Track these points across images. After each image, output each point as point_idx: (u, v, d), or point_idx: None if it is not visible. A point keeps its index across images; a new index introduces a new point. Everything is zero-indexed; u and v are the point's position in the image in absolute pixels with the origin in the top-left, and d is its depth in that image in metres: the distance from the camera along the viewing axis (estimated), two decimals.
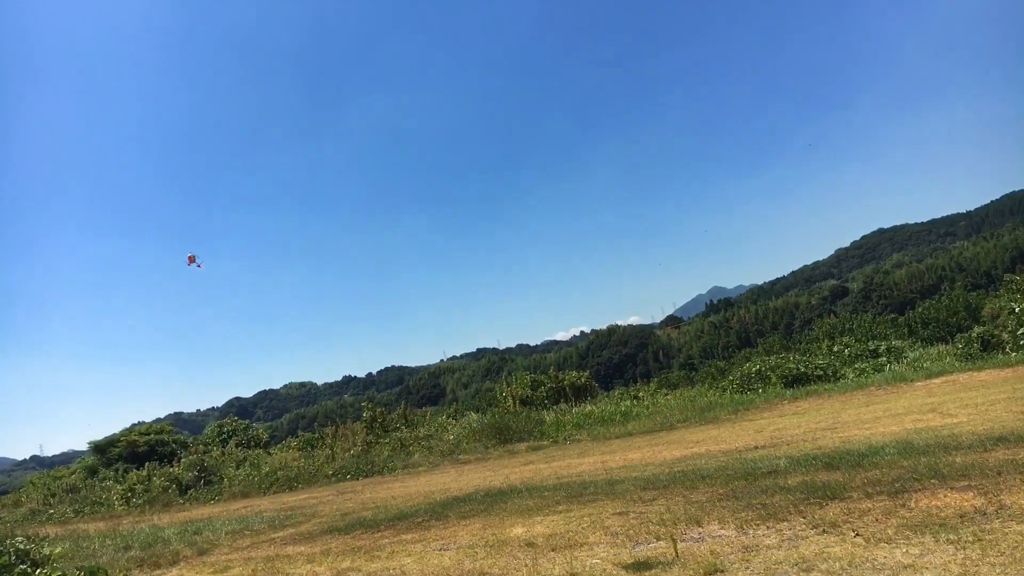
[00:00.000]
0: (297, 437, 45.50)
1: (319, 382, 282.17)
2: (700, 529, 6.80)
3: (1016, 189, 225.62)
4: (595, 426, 25.07)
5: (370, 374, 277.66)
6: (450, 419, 34.55)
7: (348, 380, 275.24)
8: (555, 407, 31.29)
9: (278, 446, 42.10)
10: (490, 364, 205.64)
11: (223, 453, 36.39)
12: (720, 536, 6.42)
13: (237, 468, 31.12)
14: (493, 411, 32.34)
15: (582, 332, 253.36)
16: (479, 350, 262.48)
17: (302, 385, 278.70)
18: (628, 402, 31.03)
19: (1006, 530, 5.11)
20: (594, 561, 6.38)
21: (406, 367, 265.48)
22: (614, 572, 5.95)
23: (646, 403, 29.74)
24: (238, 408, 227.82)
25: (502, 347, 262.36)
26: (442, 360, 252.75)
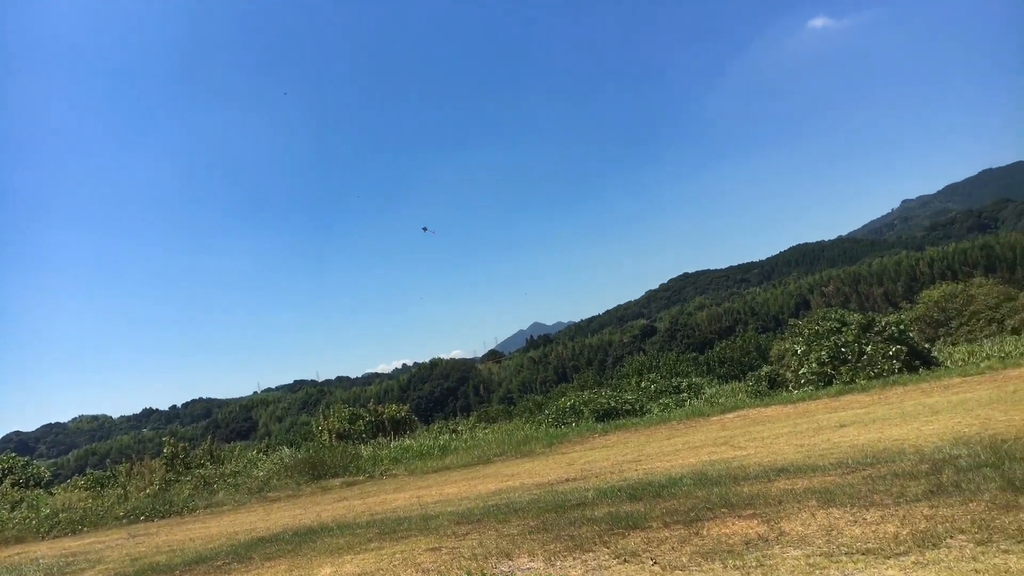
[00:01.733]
0: (85, 475, 41.46)
1: (115, 415, 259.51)
2: (510, 562, 6.87)
3: (800, 242, 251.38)
4: (413, 460, 24.82)
5: (174, 406, 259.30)
6: (261, 454, 32.89)
7: (148, 413, 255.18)
8: (373, 441, 30.69)
9: (62, 485, 38.16)
10: (308, 396, 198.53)
11: None
12: (529, 569, 6.51)
13: (12, 510, 27.82)
14: (308, 445, 31.19)
15: (404, 365, 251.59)
16: (296, 382, 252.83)
17: (94, 418, 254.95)
18: (447, 436, 31.03)
19: (784, 555, 5.56)
20: None
21: (215, 399, 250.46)
22: None
23: (464, 437, 29.88)
24: (17, 443, 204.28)
25: (321, 379, 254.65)
26: (256, 392, 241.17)
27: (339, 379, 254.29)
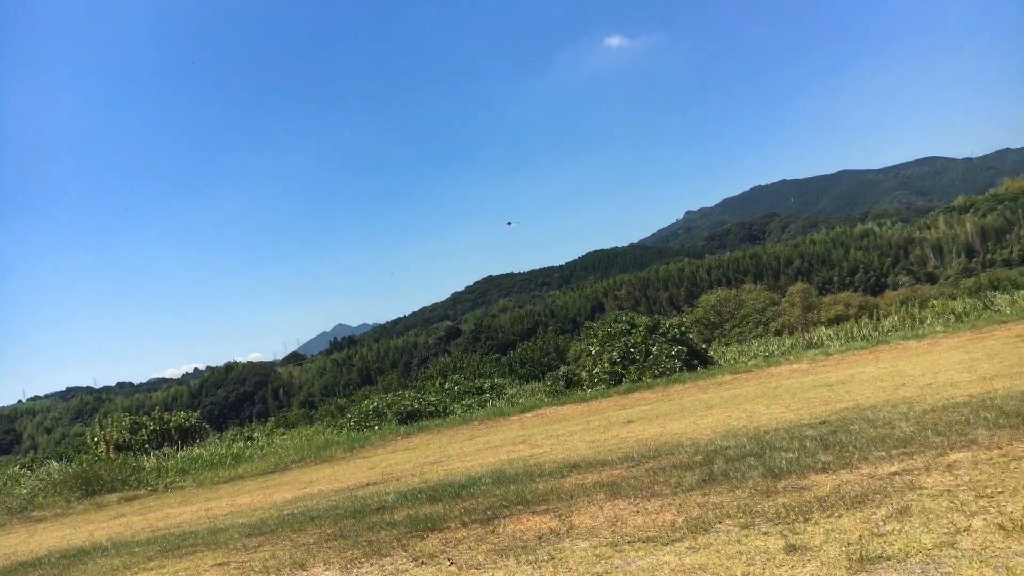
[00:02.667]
0: None
1: None
2: (304, 573, 6.64)
3: (597, 248, 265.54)
4: (203, 471, 23.37)
5: None
6: (24, 470, 29.63)
7: None
8: (158, 452, 28.56)
9: None
10: (82, 405, 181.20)
11: None
12: None
13: None
14: (81, 458, 28.47)
15: (196, 369, 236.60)
16: (69, 389, 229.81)
17: None
18: (241, 444, 29.55)
19: (574, 547, 5.80)
20: None
21: None
22: None
23: (261, 444, 28.61)
24: None
25: (99, 385, 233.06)
26: (20, 401, 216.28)
27: (120, 385, 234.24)
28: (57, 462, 30.18)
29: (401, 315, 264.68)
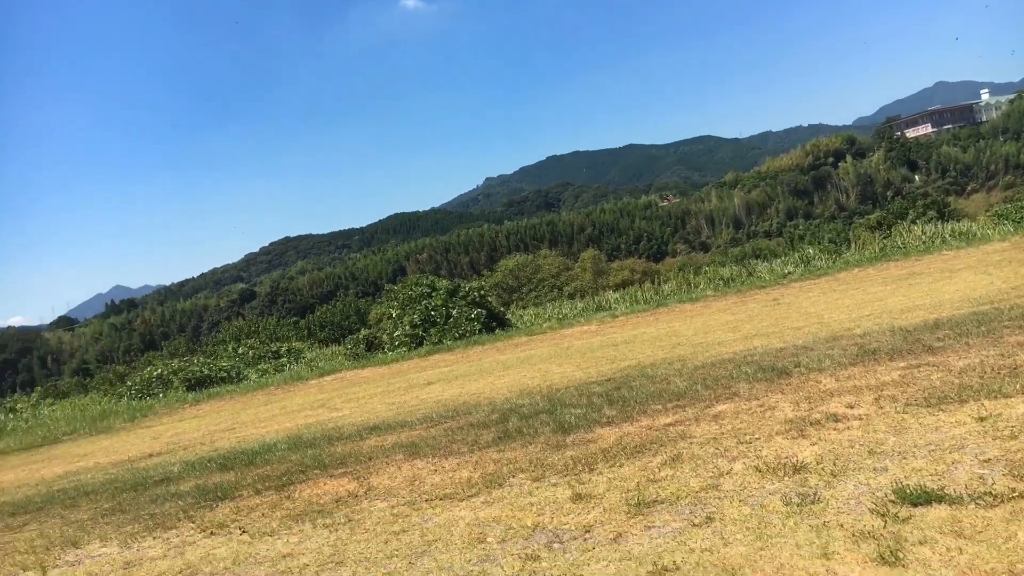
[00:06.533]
0: None
1: None
2: (78, 551, 6.16)
3: (399, 211, 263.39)
4: None
5: None
6: None
7: None
8: None
9: None
10: None
11: None
12: (101, 555, 5.91)
13: None
14: None
15: None
16: None
17: None
18: (2, 416, 26.64)
19: (372, 508, 5.83)
20: None
21: None
22: None
23: (25, 416, 25.98)
24: None
25: None
26: None
27: None
28: None
29: (188, 276, 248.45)
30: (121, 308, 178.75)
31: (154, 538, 6.13)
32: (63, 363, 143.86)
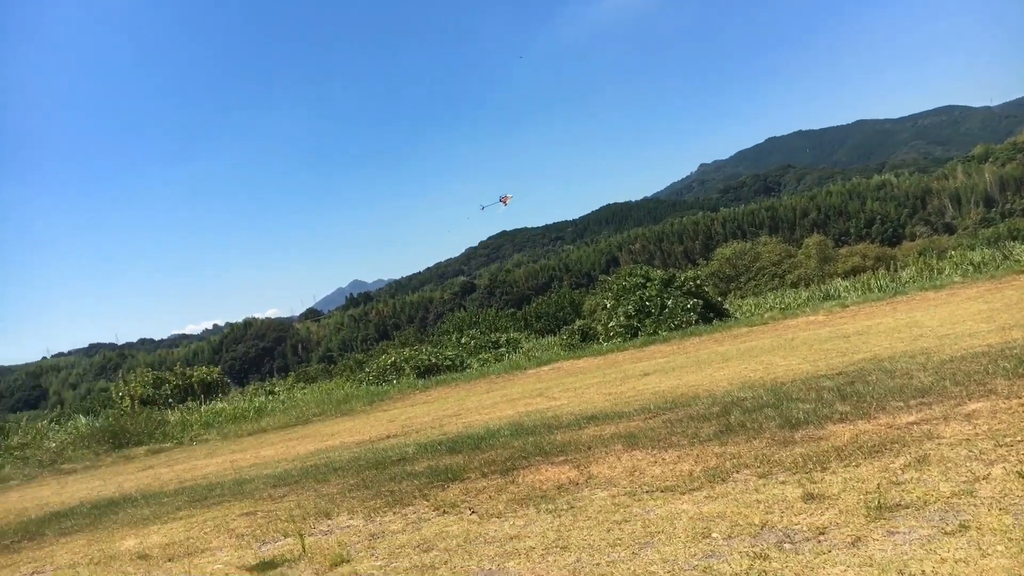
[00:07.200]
0: None
1: None
2: (329, 521, 6.81)
3: (610, 202, 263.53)
4: (226, 424, 23.82)
5: None
6: (53, 424, 30.24)
7: None
8: (181, 406, 29.08)
9: None
10: (106, 361, 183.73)
11: None
12: (348, 527, 6.49)
13: None
14: (107, 413, 29.04)
15: (215, 325, 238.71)
16: (92, 346, 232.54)
17: None
18: (263, 398, 30.05)
19: (593, 497, 5.91)
20: (216, 567, 6.04)
21: None
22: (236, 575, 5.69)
23: (282, 398, 29.07)
24: None
25: (121, 342, 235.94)
26: (45, 357, 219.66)
27: (142, 341, 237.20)
28: (84, 416, 30.77)
29: (416, 271, 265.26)
30: (359, 301, 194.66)
31: (394, 513, 6.63)
32: (311, 350, 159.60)
